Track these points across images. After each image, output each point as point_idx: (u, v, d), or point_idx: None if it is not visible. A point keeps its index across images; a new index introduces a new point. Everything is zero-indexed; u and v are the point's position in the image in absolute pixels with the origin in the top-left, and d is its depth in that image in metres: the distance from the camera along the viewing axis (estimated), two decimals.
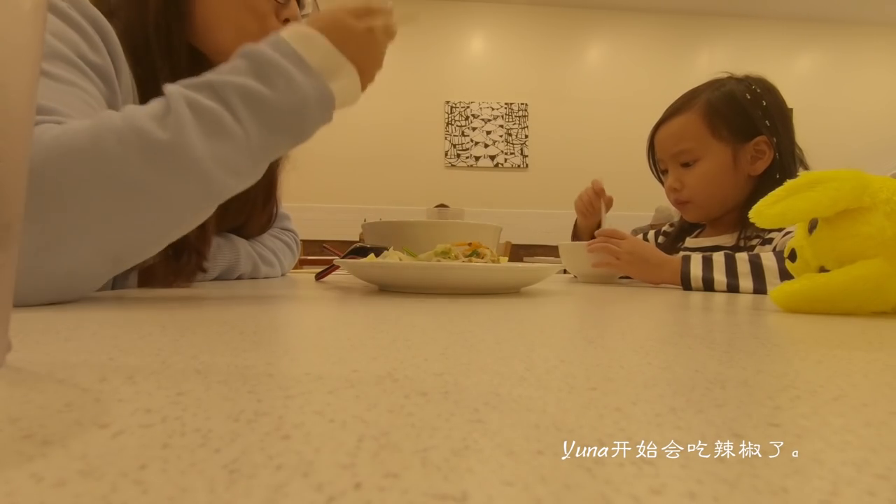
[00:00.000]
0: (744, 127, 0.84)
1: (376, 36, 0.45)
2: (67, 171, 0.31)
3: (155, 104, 0.35)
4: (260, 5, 0.55)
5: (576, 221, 1.02)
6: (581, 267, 0.85)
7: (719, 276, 0.65)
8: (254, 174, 0.39)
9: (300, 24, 0.42)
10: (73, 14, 0.42)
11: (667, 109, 0.91)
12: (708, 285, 0.66)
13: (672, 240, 1.01)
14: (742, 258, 0.65)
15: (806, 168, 0.85)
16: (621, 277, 0.91)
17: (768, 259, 0.64)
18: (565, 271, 1.03)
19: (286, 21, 0.57)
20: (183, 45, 0.53)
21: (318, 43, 0.41)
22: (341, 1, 0.44)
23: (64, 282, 0.34)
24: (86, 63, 0.42)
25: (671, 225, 1.07)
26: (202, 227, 0.56)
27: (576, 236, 1.03)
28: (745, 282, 0.64)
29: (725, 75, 0.89)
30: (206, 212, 0.38)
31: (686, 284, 0.67)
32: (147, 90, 0.51)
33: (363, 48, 0.44)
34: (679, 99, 0.90)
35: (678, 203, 0.91)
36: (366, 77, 0.45)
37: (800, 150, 0.87)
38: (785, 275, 0.61)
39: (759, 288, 0.63)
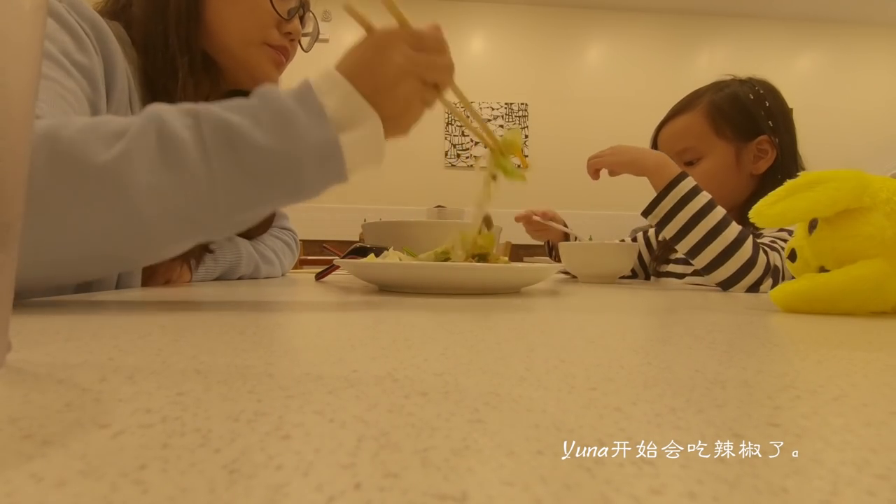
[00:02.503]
0: (747, 126, 0.85)
1: (418, 80, 0.40)
2: None
3: (125, 120, 0.32)
4: (263, 17, 0.56)
5: (546, 242, 1.05)
6: (581, 267, 0.85)
7: (683, 216, 0.68)
8: (216, 221, 0.34)
9: (333, 67, 0.38)
10: (68, 16, 0.43)
11: (670, 109, 0.92)
12: (666, 220, 0.69)
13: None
14: (716, 215, 0.67)
15: (803, 170, 0.86)
16: (621, 278, 0.91)
17: (731, 231, 0.66)
18: (566, 272, 1.03)
19: (287, 34, 0.59)
20: (199, 46, 0.55)
21: (341, 87, 0.37)
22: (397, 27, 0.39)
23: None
24: (70, 62, 0.42)
25: None
26: None
27: (551, 250, 1.06)
28: (694, 236, 0.67)
29: (729, 77, 0.90)
30: (146, 250, 0.34)
31: (657, 200, 0.70)
32: (158, 87, 0.53)
33: (396, 94, 0.38)
34: (683, 99, 0.91)
35: None
36: (395, 126, 0.40)
37: (799, 155, 0.88)
38: (726, 252, 0.65)
39: (697, 250, 0.67)
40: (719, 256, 0.66)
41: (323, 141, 0.35)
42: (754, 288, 0.66)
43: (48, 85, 0.39)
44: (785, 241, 0.71)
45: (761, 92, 0.86)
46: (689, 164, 0.88)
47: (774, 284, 0.66)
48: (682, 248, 0.69)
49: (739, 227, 0.67)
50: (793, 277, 0.43)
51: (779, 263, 0.67)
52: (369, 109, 0.37)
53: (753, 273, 0.65)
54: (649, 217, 0.73)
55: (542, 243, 1.11)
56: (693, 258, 0.68)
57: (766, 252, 0.67)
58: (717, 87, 0.89)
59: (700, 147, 0.86)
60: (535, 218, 1.00)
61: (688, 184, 0.70)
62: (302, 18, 0.61)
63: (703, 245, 0.67)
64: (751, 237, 0.67)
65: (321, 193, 0.37)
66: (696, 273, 0.89)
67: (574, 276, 1.02)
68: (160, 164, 0.31)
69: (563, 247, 0.86)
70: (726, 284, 0.67)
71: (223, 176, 0.32)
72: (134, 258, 0.36)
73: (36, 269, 0.31)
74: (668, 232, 0.70)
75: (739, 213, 0.86)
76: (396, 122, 0.40)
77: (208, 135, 0.32)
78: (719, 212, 0.68)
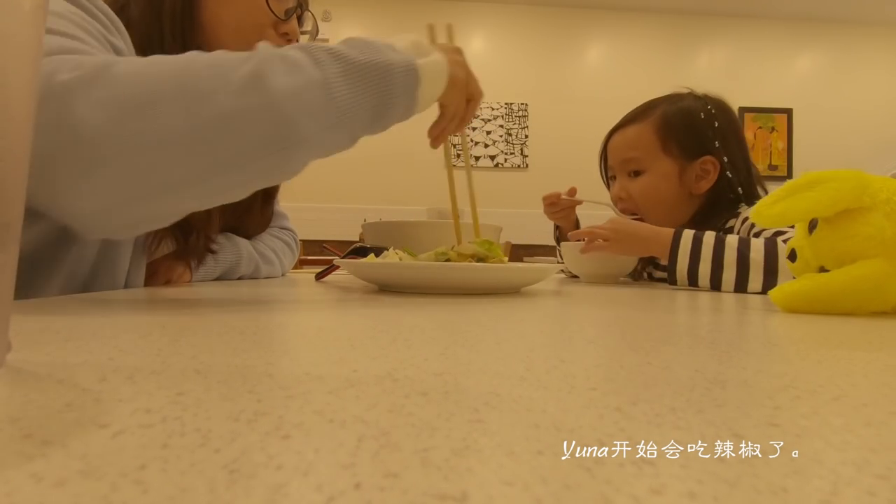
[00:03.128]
0: (693, 145, 0.85)
1: (465, 81, 0.50)
2: (155, 82, 0.33)
3: (243, 53, 0.36)
4: (260, 18, 0.56)
5: (555, 226, 1.04)
6: (584, 267, 0.85)
7: (704, 267, 0.66)
8: (335, 128, 0.38)
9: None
10: (91, 7, 0.44)
11: (623, 117, 0.93)
12: (692, 277, 0.67)
13: None
14: (731, 245, 0.65)
15: (763, 188, 0.86)
16: (638, 277, 0.91)
17: (756, 251, 0.63)
18: (569, 272, 1.03)
19: (284, 34, 0.59)
20: (194, 46, 0.55)
21: (408, 37, 0.44)
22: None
23: (137, 193, 0.34)
24: (110, 46, 0.44)
25: None
26: (207, 211, 0.57)
27: (561, 238, 1.05)
28: (729, 273, 0.64)
29: (686, 90, 0.91)
30: (282, 156, 0.37)
31: (672, 266, 0.68)
32: None
33: (454, 62, 0.47)
34: (637, 108, 0.92)
35: (624, 213, 0.91)
36: (451, 82, 0.47)
37: (756, 170, 0.88)
38: (770, 268, 0.62)
39: (742, 280, 0.63)
40: (767, 276, 0.62)
41: (402, 59, 0.41)
42: None
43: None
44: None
45: (713, 111, 0.86)
46: (634, 173, 0.89)
47: None
48: (727, 288, 0.65)
49: (760, 240, 0.64)
50: (793, 277, 0.43)
51: None
52: (433, 49, 0.45)
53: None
54: (678, 282, 0.69)
55: (552, 228, 1.07)
56: (751, 290, 0.63)
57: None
58: (672, 99, 0.89)
59: (645, 159, 0.87)
60: (564, 197, 0.97)
61: (688, 234, 0.68)
62: (300, 18, 0.61)
63: (745, 274, 0.63)
64: (777, 240, 0.63)
65: (393, 120, 0.43)
66: None
67: (575, 276, 1.02)
68: (285, 71, 0.35)
69: (565, 247, 0.87)
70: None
71: (334, 79, 0.37)
72: (268, 167, 0.37)
73: (183, 176, 0.34)
74: (703, 282, 0.66)
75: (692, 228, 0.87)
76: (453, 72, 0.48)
77: (316, 53, 0.38)
78: (732, 238, 0.65)
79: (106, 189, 0.32)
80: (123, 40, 0.47)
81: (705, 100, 0.88)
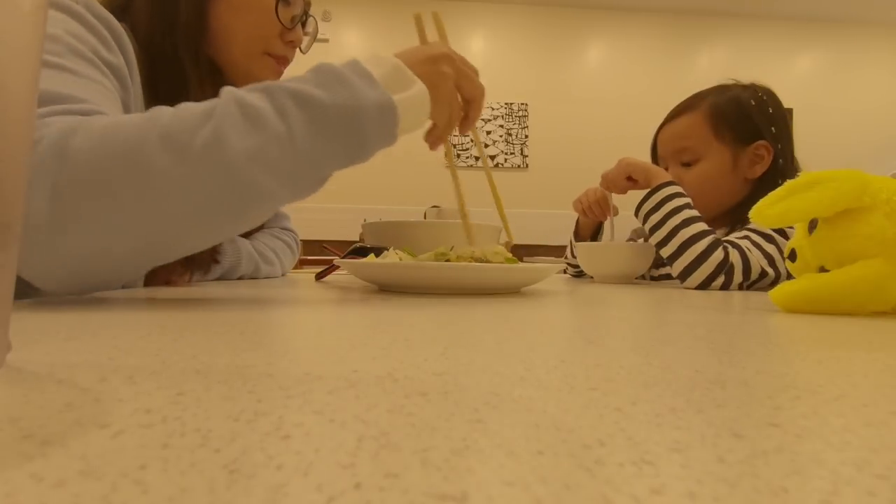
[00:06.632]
0: (746, 131, 0.85)
1: (454, 85, 0.46)
2: (109, 161, 0.32)
3: (206, 103, 0.36)
4: (269, 28, 0.58)
5: (578, 220, 1.02)
6: (598, 267, 0.85)
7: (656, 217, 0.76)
8: (303, 179, 0.38)
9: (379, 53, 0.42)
10: (88, 16, 0.44)
11: (672, 110, 0.93)
12: (645, 219, 0.77)
13: None
14: (685, 217, 0.73)
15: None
16: (637, 278, 0.91)
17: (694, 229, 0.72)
18: (577, 271, 1.03)
19: (290, 43, 0.60)
20: (206, 55, 0.57)
21: (388, 61, 0.41)
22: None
23: (94, 267, 0.35)
24: (103, 62, 0.43)
25: None
26: None
27: (578, 235, 1.03)
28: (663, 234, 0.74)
29: (731, 82, 0.91)
30: (250, 214, 0.37)
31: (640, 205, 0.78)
32: (163, 94, 0.53)
33: (438, 93, 0.44)
34: (684, 101, 0.92)
35: None
36: (437, 100, 0.44)
37: (796, 159, 0.90)
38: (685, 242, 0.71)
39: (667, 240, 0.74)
40: (678, 249, 0.72)
41: (378, 97, 0.38)
42: (706, 284, 0.69)
43: (95, 86, 0.40)
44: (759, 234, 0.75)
45: (764, 98, 0.87)
46: (687, 165, 0.89)
47: (726, 281, 0.69)
48: (653, 240, 0.77)
49: (703, 226, 0.72)
50: (793, 277, 0.43)
51: (736, 260, 0.69)
52: (414, 77, 0.41)
53: (705, 268, 0.69)
54: (638, 215, 0.79)
55: (576, 217, 1.04)
56: (660, 249, 0.75)
57: (725, 249, 0.69)
58: (720, 90, 0.89)
59: (698, 148, 0.87)
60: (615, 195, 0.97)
61: (670, 188, 0.76)
62: (304, 23, 0.62)
63: (669, 238, 0.73)
64: (711, 236, 0.71)
65: (373, 153, 0.41)
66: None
67: (579, 275, 1.02)
68: (246, 129, 0.34)
69: (580, 247, 0.86)
70: (682, 276, 0.71)
71: (299, 131, 0.36)
72: (244, 219, 0.38)
73: (174, 248, 0.37)
74: (648, 227, 0.78)
75: (731, 216, 0.87)
76: (438, 98, 0.45)
77: (280, 100, 0.36)
78: (688, 211, 0.74)
79: (58, 265, 0.33)
80: (123, 50, 0.46)
81: (754, 87, 0.89)
